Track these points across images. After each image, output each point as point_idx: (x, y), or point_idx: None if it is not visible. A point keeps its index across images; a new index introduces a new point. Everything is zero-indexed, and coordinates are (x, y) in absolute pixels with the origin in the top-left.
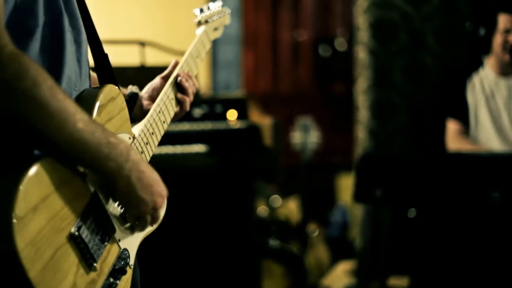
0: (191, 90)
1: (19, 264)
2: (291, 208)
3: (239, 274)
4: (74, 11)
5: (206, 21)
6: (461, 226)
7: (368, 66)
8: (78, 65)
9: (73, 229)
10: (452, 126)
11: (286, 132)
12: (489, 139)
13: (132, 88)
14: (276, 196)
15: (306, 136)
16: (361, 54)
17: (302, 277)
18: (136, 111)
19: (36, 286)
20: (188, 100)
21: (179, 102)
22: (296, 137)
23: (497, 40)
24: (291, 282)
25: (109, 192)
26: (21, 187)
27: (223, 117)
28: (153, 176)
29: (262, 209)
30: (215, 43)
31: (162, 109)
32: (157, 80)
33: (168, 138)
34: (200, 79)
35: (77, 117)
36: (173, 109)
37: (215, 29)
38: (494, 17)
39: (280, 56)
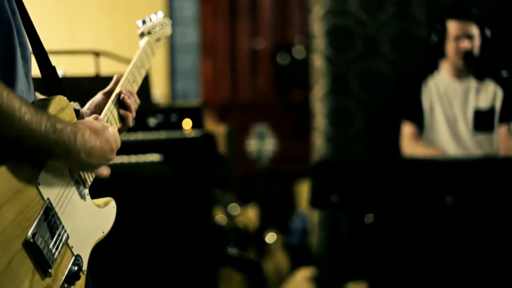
0: (133, 107)
1: None
2: (249, 216)
3: (197, 283)
4: (20, 27)
5: (149, 32)
6: (417, 230)
7: (325, 74)
8: (26, 80)
9: (28, 236)
10: (407, 129)
11: (243, 140)
12: (444, 143)
13: (73, 105)
14: (234, 204)
15: (262, 143)
16: (318, 62)
17: (261, 284)
18: None
19: None
20: (131, 116)
21: (122, 119)
22: (252, 145)
23: (450, 46)
24: None
25: (65, 180)
26: None
27: (178, 126)
28: (101, 140)
29: (220, 217)
30: (173, 51)
31: (110, 118)
32: (99, 96)
33: (122, 148)
34: (158, 88)
35: (23, 110)
36: (116, 125)
37: (158, 39)
38: (443, 23)
39: (238, 65)
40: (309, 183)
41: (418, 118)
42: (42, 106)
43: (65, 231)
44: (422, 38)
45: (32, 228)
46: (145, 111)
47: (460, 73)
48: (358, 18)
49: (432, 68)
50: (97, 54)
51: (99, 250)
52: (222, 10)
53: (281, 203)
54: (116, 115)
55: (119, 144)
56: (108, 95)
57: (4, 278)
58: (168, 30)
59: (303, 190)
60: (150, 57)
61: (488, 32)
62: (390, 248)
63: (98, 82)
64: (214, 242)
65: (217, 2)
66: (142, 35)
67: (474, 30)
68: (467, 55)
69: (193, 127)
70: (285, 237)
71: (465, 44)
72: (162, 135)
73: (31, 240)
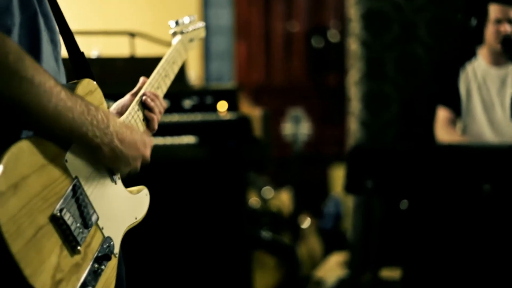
0: (157, 110)
1: (2, 237)
2: (283, 200)
3: (231, 266)
4: (48, 12)
5: (182, 32)
6: (453, 217)
7: (360, 58)
8: (56, 64)
9: (55, 211)
10: (442, 114)
11: (278, 123)
12: (481, 130)
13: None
14: (268, 187)
15: (297, 127)
16: (353, 46)
17: (294, 268)
18: None
19: (19, 262)
20: (156, 118)
21: (147, 121)
22: (287, 128)
23: (489, 30)
24: (283, 273)
25: (96, 162)
26: (1, 165)
27: (213, 109)
28: (133, 134)
29: (254, 201)
30: (207, 33)
31: (134, 117)
32: (126, 97)
33: (158, 130)
34: (192, 70)
35: (59, 87)
36: (142, 125)
37: (191, 40)
38: (485, 7)
39: (273, 48)
40: (344, 168)
41: (454, 103)
42: (69, 88)
43: (95, 211)
44: (458, 22)
45: (59, 203)
46: (180, 92)
47: (498, 60)
48: (394, 2)
49: (469, 54)
50: (132, 35)
51: (132, 234)
52: None
53: (314, 187)
54: (141, 115)
55: (151, 141)
56: (135, 96)
57: (29, 249)
58: (202, 32)
59: (337, 174)
60: (182, 55)
61: None
62: (424, 234)
63: (133, 63)
64: (247, 226)
65: None
66: (174, 34)
67: None
68: (505, 41)
69: (228, 109)
70: (318, 221)
71: (506, 27)
72: (197, 117)
73: (58, 214)
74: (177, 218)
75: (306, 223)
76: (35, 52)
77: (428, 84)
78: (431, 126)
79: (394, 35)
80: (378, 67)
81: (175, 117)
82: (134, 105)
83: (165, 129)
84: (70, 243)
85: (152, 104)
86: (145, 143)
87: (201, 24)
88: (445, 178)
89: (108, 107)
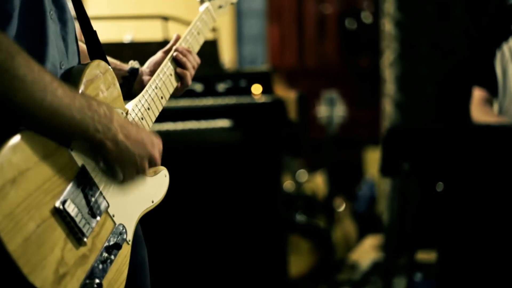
0: (190, 65)
1: None
2: (317, 183)
3: (266, 250)
4: None
5: None
6: (489, 200)
7: (394, 39)
8: (64, 44)
9: (57, 203)
10: (478, 94)
11: (312, 106)
12: None
13: (132, 64)
14: (302, 170)
15: (332, 110)
16: (387, 27)
17: (329, 252)
18: (137, 86)
19: (17, 260)
20: (189, 74)
21: (180, 77)
22: (322, 111)
23: None
24: (318, 257)
25: (100, 158)
26: None
27: (248, 92)
28: (140, 132)
29: (288, 184)
30: (240, 17)
31: (159, 84)
32: (159, 55)
33: (192, 113)
34: (225, 54)
35: (55, 84)
36: (172, 84)
37: (220, 6)
38: None
39: (305, 30)
40: (380, 151)
41: (490, 84)
42: (78, 71)
43: (104, 198)
44: (494, 2)
45: (63, 195)
46: (213, 76)
47: None
48: None
49: (506, 34)
50: (165, 18)
51: (168, 219)
52: None
53: (349, 170)
54: (173, 72)
55: (160, 143)
56: (167, 53)
57: (29, 246)
58: None
59: (371, 157)
60: (209, 24)
61: None
62: (460, 217)
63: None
64: (282, 209)
65: None
66: (202, 1)
67: None
68: None
69: (262, 92)
70: (353, 204)
71: None
72: (231, 100)
73: (61, 207)
74: (212, 202)
75: (341, 206)
76: (40, 34)
77: (464, 65)
78: (466, 107)
79: (429, 16)
80: (412, 48)
81: (209, 101)
82: (166, 62)
83: (199, 113)
84: (75, 235)
85: (184, 59)
86: (153, 143)
87: None
88: (481, 159)
89: (132, 67)
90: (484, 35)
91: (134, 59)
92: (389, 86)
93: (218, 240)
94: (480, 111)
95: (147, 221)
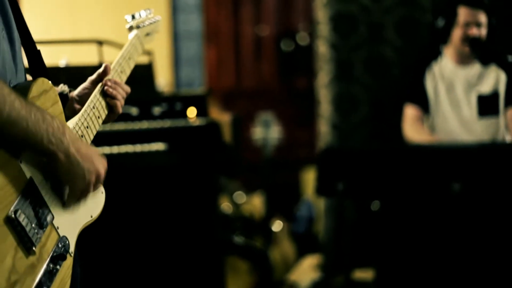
0: (120, 96)
1: None
2: (255, 204)
3: (203, 271)
4: (7, 9)
5: (138, 26)
6: (424, 217)
7: (329, 60)
8: (13, 62)
9: (9, 212)
10: (410, 111)
11: (248, 128)
12: (451, 128)
13: (63, 88)
14: (240, 192)
15: (267, 131)
16: (322, 48)
17: (267, 273)
18: (67, 111)
19: None
20: (119, 104)
21: (110, 107)
22: (257, 132)
23: (457, 32)
24: (257, 278)
25: (49, 171)
26: None
27: (183, 115)
28: (88, 148)
29: (226, 206)
30: (177, 39)
31: (96, 104)
32: (87, 83)
33: (127, 137)
34: (162, 76)
35: (12, 96)
36: (104, 112)
37: (147, 34)
38: (453, 8)
39: (242, 52)
40: (315, 171)
41: (421, 101)
42: (24, 87)
43: (50, 211)
44: (426, 23)
45: (14, 205)
46: (149, 100)
47: (463, 59)
48: (362, 4)
49: (435, 54)
50: (100, 43)
51: (104, 241)
52: None
53: (286, 191)
54: (103, 103)
55: (105, 163)
56: (95, 83)
57: None
58: (158, 27)
59: (309, 178)
60: (138, 50)
61: (494, 20)
62: (397, 235)
63: None
64: (220, 231)
65: None
66: (131, 28)
67: (483, 18)
68: (473, 41)
69: (197, 115)
70: (291, 225)
71: (474, 31)
72: (166, 123)
73: (13, 216)
74: (149, 225)
75: (279, 227)
76: None
77: (397, 85)
78: (400, 127)
79: (362, 37)
80: (346, 69)
81: (144, 124)
82: (96, 93)
83: (134, 136)
84: (25, 244)
85: (113, 92)
86: (100, 160)
87: (158, 17)
88: (415, 178)
89: (61, 91)
90: (415, 56)
91: (70, 83)
92: (324, 107)
93: (157, 263)
94: (413, 128)
95: (84, 241)
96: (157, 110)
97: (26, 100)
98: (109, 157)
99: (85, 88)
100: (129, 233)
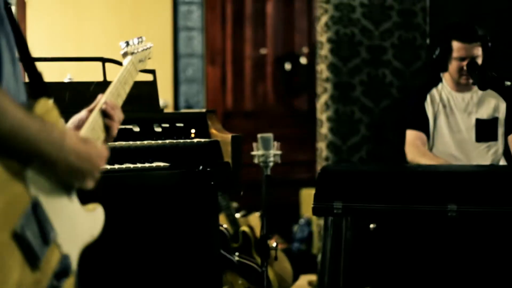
0: (117, 118)
1: None
2: (254, 223)
3: None
4: (8, 33)
5: (132, 53)
6: (421, 238)
7: (330, 82)
8: (16, 84)
9: (17, 228)
10: (411, 135)
11: (249, 147)
12: (449, 153)
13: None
14: (239, 211)
15: (267, 151)
16: (323, 70)
17: None
18: None
19: None
20: (115, 125)
21: (107, 128)
22: (258, 152)
23: (453, 65)
24: None
25: (50, 177)
26: None
27: (185, 133)
28: (90, 147)
29: (225, 224)
30: (179, 58)
31: (95, 127)
32: (83, 113)
33: (128, 154)
34: (163, 96)
35: (14, 107)
36: (102, 132)
37: (140, 60)
38: (448, 43)
39: (244, 72)
40: (314, 191)
41: (422, 127)
42: (28, 107)
43: (53, 228)
44: (425, 46)
45: (21, 220)
46: (151, 118)
47: (462, 87)
48: (362, 26)
49: (435, 80)
50: (103, 61)
51: (105, 259)
52: (227, 17)
53: (286, 210)
54: (101, 123)
55: (106, 153)
56: (91, 111)
57: None
58: (150, 54)
59: (308, 198)
60: (133, 75)
61: (490, 45)
62: (394, 255)
63: (105, 87)
64: (218, 248)
65: (223, 9)
66: (125, 54)
67: (479, 51)
68: (470, 65)
69: (198, 134)
70: (289, 244)
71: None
72: (167, 142)
73: (20, 232)
74: (149, 241)
75: (277, 245)
76: None
77: (396, 107)
78: (399, 148)
79: (362, 59)
80: (347, 90)
81: (145, 143)
82: (95, 114)
83: (135, 154)
84: (31, 260)
85: (112, 112)
86: (100, 156)
87: (149, 44)
88: (412, 199)
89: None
90: (415, 78)
91: (74, 99)
92: (324, 128)
93: (155, 280)
94: (416, 152)
95: (84, 257)
96: (158, 129)
97: (25, 109)
98: (110, 174)
99: (80, 116)
100: (129, 249)
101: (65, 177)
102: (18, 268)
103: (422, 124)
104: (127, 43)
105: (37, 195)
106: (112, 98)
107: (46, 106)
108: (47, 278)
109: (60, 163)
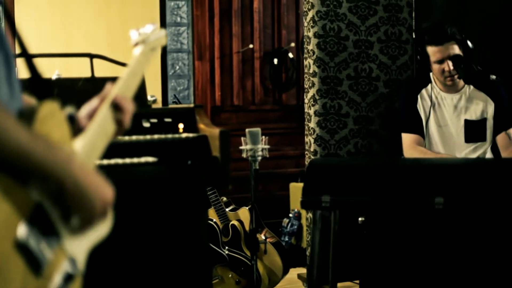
0: (129, 110)
1: None
2: (243, 217)
3: (191, 282)
4: (2, 33)
5: (143, 42)
6: (409, 231)
7: (317, 76)
8: (10, 88)
9: (19, 236)
10: (408, 138)
11: (238, 142)
12: (437, 151)
13: (70, 110)
14: (228, 205)
15: (256, 145)
16: (310, 65)
17: (254, 285)
18: (74, 132)
19: None
20: (128, 117)
21: (118, 121)
22: (246, 146)
23: (434, 69)
24: None
25: (56, 199)
26: None
27: (173, 129)
28: (97, 176)
29: (214, 218)
30: (168, 55)
31: (103, 121)
32: (95, 102)
33: (116, 150)
34: (151, 91)
35: (18, 127)
36: (113, 126)
37: (152, 49)
38: (424, 50)
39: (231, 67)
40: (302, 185)
41: (417, 129)
42: (30, 112)
43: (57, 233)
44: (411, 41)
45: (24, 228)
46: (139, 113)
47: (449, 88)
48: (349, 21)
49: (425, 79)
50: (91, 57)
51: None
52: (215, 13)
53: (275, 204)
54: (111, 118)
55: (113, 192)
56: (103, 100)
57: None
58: (163, 40)
59: (297, 191)
60: (144, 65)
61: (470, 44)
62: (382, 249)
63: (93, 83)
64: (207, 242)
65: (210, 4)
66: (136, 44)
67: (456, 50)
68: (455, 59)
69: (187, 129)
70: (279, 237)
71: (449, 65)
72: (156, 137)
73: (23, 240)
74: (137, 236)
75: (267, 239)
76: None
77: (384, 101)
78: (387, 142)
79: (349, 54)
80: (333, 85)
81: (134, 137)
82: (103, 110)
83: (123, 149)
84: (34, 266)
85: (123, 104)
86: (108, 189)
87: (163, 32)
88: (400, 192)
89: (69, 113)
90: (402, 73)
91: (62, 95)
92: (313, 122)
93: (143, 274)
94: (417, 153)
95: None
96: (146, 123)
97: (31, 129)
98: (98, 170)
99: (93, 106)
100: (118, 244)
101: (72, 200)
102: (21, 277)
103: (416, 127)
104: (138, 32)
105: (41, 201)
106: (122, 90)
107: (51, 108)
108: (52, 284)
109: (67, 182)
